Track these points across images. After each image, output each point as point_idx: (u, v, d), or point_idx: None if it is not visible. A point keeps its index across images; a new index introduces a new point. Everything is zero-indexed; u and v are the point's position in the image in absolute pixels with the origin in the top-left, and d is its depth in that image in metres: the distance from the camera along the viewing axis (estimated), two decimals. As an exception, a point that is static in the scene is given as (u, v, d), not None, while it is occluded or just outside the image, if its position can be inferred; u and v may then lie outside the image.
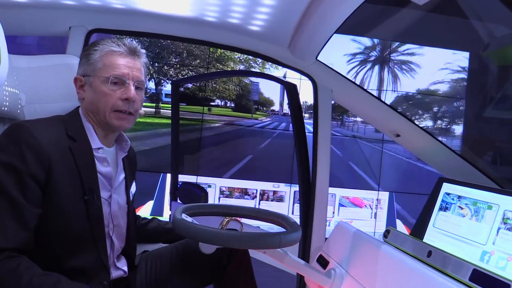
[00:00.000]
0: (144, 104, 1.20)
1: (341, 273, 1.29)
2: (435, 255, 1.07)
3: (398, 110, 1.71)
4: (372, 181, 5.94)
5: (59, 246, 1.05)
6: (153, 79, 6.27)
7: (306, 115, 6.16)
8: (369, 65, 7.22)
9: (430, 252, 1.09)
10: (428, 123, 6.99)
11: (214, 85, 6.62)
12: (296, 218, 1.24)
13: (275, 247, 1.01)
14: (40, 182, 1.01)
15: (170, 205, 2.14)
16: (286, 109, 7.14)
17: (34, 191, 1.00)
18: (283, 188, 5.44)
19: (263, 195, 5.44)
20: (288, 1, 1.26)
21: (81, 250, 1.08)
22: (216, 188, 5.33)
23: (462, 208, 1.21)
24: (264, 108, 7.35)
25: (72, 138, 1.10)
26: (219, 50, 6.44)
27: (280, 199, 5.46)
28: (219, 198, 5.35)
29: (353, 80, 1.73)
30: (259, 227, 1.80)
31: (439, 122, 7.03)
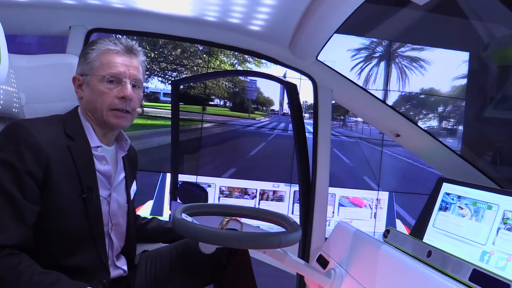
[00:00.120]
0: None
1: (341, 273, 1.29)
2: (435, 255, 1.07)
3: (398, 110, 1.71)
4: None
5: (58, 244, 1.06)
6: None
7: (306, 115, 6.11)
8: (374, 61, 6.81)
9: (430, 252, 1.09)
10: (444, 124, 6.70)
11: (205, 81, 6.21)
12: (296, 218, 1.24)
13: (275, 247, 1.01)
14: (38, 180, 1.01)
15: (170, 204, 2.14)
16: (286, 108, 7.04)
17: (32, 189, 1.00)
18: (283, 187, 5.43)
19: (263, 194, 5.44)
20: (288, 1, 1.26)
21: (80, 249, 1.08)
22: (216, 187, 5.32)
23: (462, 208, 1.21)
24: (264, 108, 7.23)
25: (70, 137, 1.10)
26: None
27: (280, 198, 5.46)
28: (219, 197, 5.35)
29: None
30: (259, 227, 1.80)
31: (453, 122, 6.76)
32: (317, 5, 1.20)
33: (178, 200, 2.05)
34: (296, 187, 5.09)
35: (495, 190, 1.15)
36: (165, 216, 4.80)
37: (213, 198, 5.25)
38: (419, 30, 5.71)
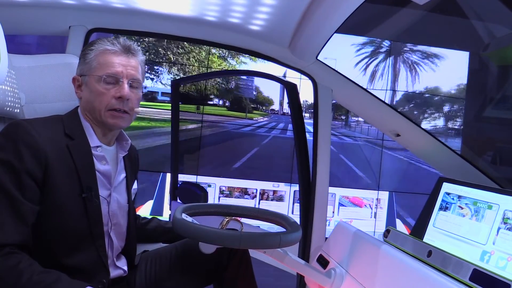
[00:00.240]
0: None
1: (341, 273, 1.29)
2: (435, 255, 1.07)
3: (398, 110, 1.71)
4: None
5: (57, 244, 1.05)
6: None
7: (307, 115, 6.07)
8: (381, 57, 6.38)
9: (430, 252, 1.09)
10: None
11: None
12: (296, 217, 1.24)
13: (275, 247, 1.01)
14: (37, 180, 1.01)
15: (170, 204, 2.14)
16: (286, 108, 6.94)
17: (32, 188, 1.00)
18: (283, 187, 5.43)
19: (263, 194, 5.44)
20: (289, 1, 1.26)
21: (80, 248, 1.08)
22: (216, 187, 5.32)
23: (462, 208, 1.21)
24: (264, 107, 7.11)
25: (69, 137, 1.10)
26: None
27: (280, 198, 5.46)
28: (219, 197, 5.35)
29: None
30: (259, 226, 1.80)
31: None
32: (317, 5, 1.20)
33: (178, 200, 2.05)
34: (296, 187, 5.08)
35: (496, 190, 1.15)
36: (165, 216, 4.80)
37: (213, 198, 5.25)
38: (419, 30, 5.70)
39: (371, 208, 5.59)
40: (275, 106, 7.24)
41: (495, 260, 1.05)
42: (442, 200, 1.29)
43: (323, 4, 1.17)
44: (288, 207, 5.46)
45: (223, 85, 6.17)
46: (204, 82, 5.94)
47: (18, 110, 1.21)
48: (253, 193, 5.41)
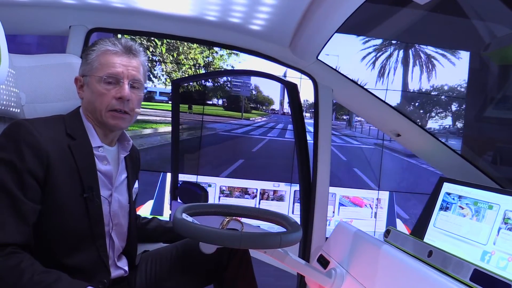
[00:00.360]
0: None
1: (342, 273, 1.29)
2: (436, 255, 1.07)
3: (399, 110, 1.70)
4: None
5: (58, 244, 1.06)
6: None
7: (307, 115, 6.02)
8: (390, 50, 5.74)
9: (431, 252, 1.09)
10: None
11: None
12: (296, 217, 1.24)
13: (276, 247, 1.01)
14: (39, 179, 1.01)
15: (170, 204, 2.14)
16: (286, 108, 6.87)
17: (33, 188, 1.00)
18: (283, 187, 5.43)
19: (263, 194, 5.44)
20: (289, 0, 1.26)
21: (81, 248, 1.08)
22: (216, 187, 5.32)
23: (462, 208, 1.21)
24: (264, 107, 7.04)
25: (71, 137, 1.10)
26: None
27: (280, 198, 5.46)
28: (219, 197, 5.35)
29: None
30: (259, 226, 1.80)
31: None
32: (318, 5, 1.20)
33: (179, 200, 2.05)
34: (296, 187, 5.09)
35: (496, 190, 1.15)
36: (165, 215, 4.80)
37: (213, 197, 5.25)
38: (420, 30, 5.70)
39: (371, 208, 5.59)
40: (276, 106, 7.21)
41: (496, 260, 1.05)
42: (443, 200, 1.29)
43: (324, 4, 1.17)
44: (289, 207, 5.46)
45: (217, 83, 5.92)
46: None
47: (18, 110, 1.21)
48: (253, 193, 5.41)
